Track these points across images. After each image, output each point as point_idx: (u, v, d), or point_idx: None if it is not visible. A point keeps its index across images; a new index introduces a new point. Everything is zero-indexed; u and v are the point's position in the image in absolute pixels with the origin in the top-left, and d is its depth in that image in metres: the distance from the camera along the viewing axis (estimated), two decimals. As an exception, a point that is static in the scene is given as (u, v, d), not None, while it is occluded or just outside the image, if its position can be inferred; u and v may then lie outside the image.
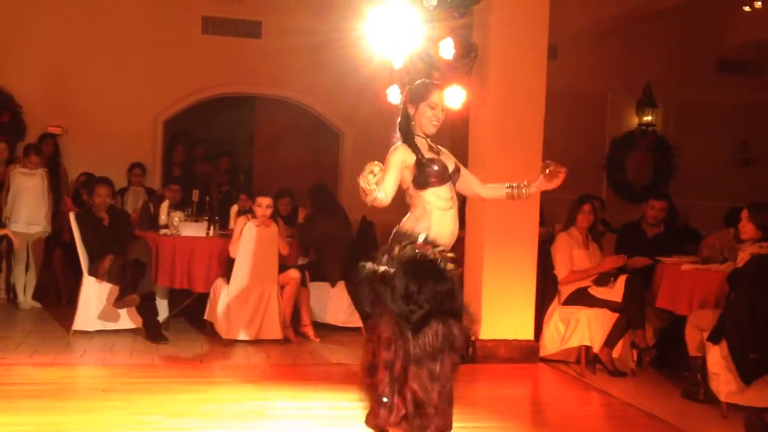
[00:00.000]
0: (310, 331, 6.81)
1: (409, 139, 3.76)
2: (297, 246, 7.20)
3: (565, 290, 6.15)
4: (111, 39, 8.94)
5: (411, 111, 3.78)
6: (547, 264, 6.31)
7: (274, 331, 6.55)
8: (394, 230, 3.73)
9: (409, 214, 3.72)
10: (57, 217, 7.92)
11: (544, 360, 6.23)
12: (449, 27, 6.03)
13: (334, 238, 7.19)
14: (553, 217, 7.41)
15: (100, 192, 6.83)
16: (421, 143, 3.78)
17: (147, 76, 9.04)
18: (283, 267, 6.70)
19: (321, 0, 8.44)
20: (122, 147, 8.87)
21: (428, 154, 3.74)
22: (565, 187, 7.60)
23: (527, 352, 6.17)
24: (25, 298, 7.67)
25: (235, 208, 7.32)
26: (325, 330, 7.00)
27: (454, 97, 6.36)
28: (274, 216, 6.72)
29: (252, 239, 6.49)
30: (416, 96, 3.77)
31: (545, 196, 6.48)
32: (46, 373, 5.44)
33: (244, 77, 9.44)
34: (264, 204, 6.56)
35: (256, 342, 6.49)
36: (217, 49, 9.27)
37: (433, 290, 3.43)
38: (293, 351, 6.43)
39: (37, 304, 7.70)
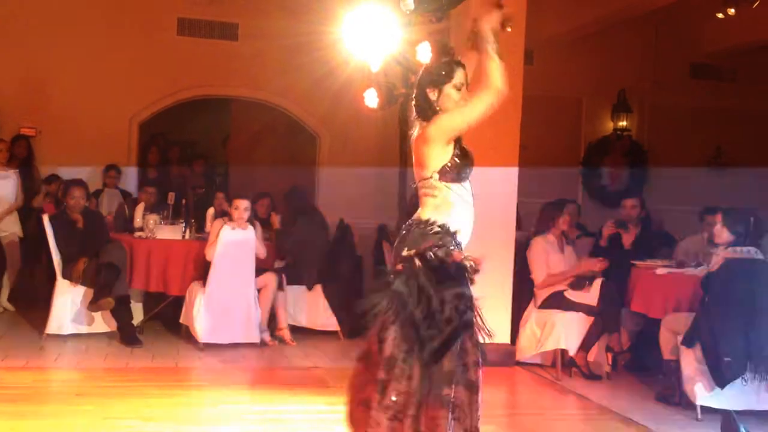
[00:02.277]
0: (286, 334, 6.78)
1: None
2: (274, 249, 7.17)
3: (541, 294, 6.18)
4: (86, 40, 8.85)
5: (433, 96, 3.28)
6: (523, 268, 6.33)
7: (251, 335, 6.52)
8: (410, 223, 3.27)
9: (423, 209, 3.27)
10: (30, 220, 7.82)
11: (521, 363, 6.26)
12: (426, 31, 6.05)
13: (310, 241, 7.17)
14: (530, 221, 7.45)
15: (74, 194, 6.75)
16: None
17: (122, 78, 8.96)
18: (260, 270, 6.67)
19: (298, 3, 8.42)
20: (97, 149, 8.78)
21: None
22: (541, 192, 7.69)
23: (504, 356, 6.19)
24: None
25: (211, 211, 7.28)
26: (301, 333, 6.98)
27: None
28: (252, 219, 6.69)
29: (228, 242, 6.45)
30: (439, 78, 3.29)
31: (521, 200, 6.58)
32: (18, 376, 5.36)
33: (220, 79, 9.40)
34: (241, 207, 6.53)
35: (232, 345, 6.45)
36: (193, 51, 9.21)
37: (455, 300, 3.12)
38: (269, 354, 6.41)
39: (11, 307, 7.60)
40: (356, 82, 7.36)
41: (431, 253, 3.13)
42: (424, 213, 3.26)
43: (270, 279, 6.69)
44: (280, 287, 6.78)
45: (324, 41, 6.94)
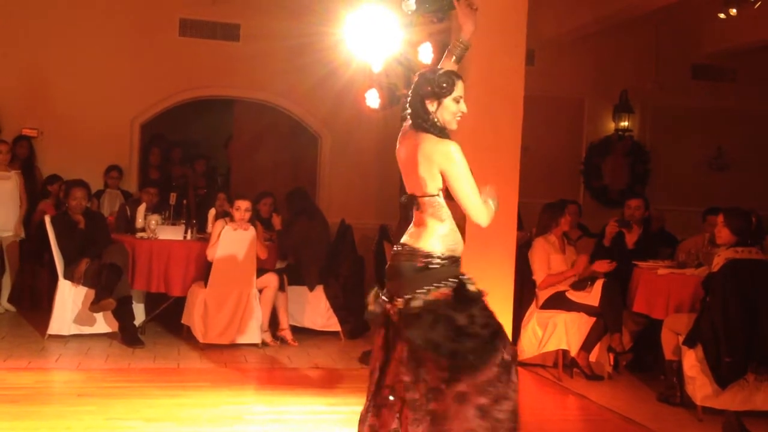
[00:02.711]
0: (287, 335, 6.78)
1: (446, 137, 3.25)
2: (275, 249, 7.17)
3: (543, 294, 6.18)
4: (88, 40, 8.85)
5: (432, 107, 3.25)
6: (525, 268, 6.33)
7: (252, 335, 6.53)
8: (409, 249, 3.21)
9: (426, 232, 3.21)
10: (31, 221, 7.82)
11: (522, 364, 6.22)
12: (428, 31, 6.05)
13: (312, 242, 7.17)
14: (531, 221, 7.45)
15: (75, 194, 6.76)
16: None
17: (124, 79, 8.96)
18: (261, 271, 6.68)
19: (299, 3, 8.42)
20: (99, 149, 8.79)
21: None
22: (542, 192, 7.68)
23: (505, 356, 6.17)
24: (0, 302, 7.58)
25: (212, 212, 7.29)
26: (303, 334, 6.98)
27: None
28: (253, 219, 6.69)
29: (230, 243, 6.46)
30: (441, 91, 3.24)
31: (522, 201, 6.57)
32: (20, 377, 5.38)
33: (221, 80, 9.39)
34: (242, 207, 6.53)
35: (233, 346, 6.46)
36: (195, 52, 9.21)
37: (482, 312, 3.18)
38: (271, 355, 6.41)
39: (12, 308, 7.60)
40: (358, 82, 7.36)
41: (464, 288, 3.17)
42: (428, 241, 3.19)
43: (271, 280, 6.69)
44: (281, 288, 6.78)
45: (325, 42, 6.95)
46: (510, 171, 6.34)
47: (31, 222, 7.83)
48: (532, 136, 6.88)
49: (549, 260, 6.19)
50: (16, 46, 8.71)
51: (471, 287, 3.22)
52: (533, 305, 6.27)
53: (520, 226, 6.96)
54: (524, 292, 6.41)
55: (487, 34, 6.28)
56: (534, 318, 6.19)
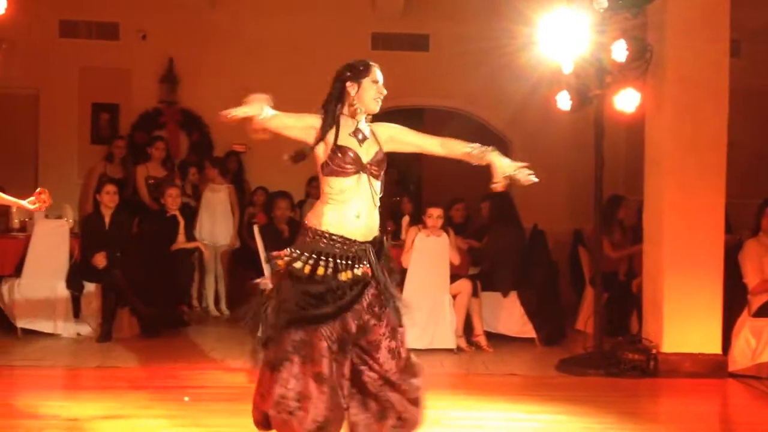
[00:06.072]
0: (482, 340, 6.80)
1: (329, 118, 3.72)
2: (468, 256, 7.20)
3: (756, 301, 5.78)
4: (287, 59, 9.38)
5: (353, 89, 3.72)
6: (734, 273, 5.94)
7: (447, 341, 6.60)
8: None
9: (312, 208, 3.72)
10: (241, 229, 8.40)
11: (734, 375, 5.87)
12: (621, 28, 5.87)
13: (508, 248, 7.12)
14: (740, 224, 6.97)
15: (280, 205, 7.20)
16: (346, 126, 3.69)
17: (321, 94, 9.37)
18: (454, 276, 6.74)
19: (488, 8, 8.45)
20: (301, 162, 9.24)
21: (348, 140, 3.63)
22: (752, 191, 7.18)
23: (714, 367, 5.84)
24: (217, 306, 8.18)
25: (406, 219, 7.46)
26: (497, 340, 6.96)
27: (628, 100, 6.16)
28: (446, 226, 6.77)
29: (423, 249, 6.58)
30: (358, 72, 3.75)
31: (730, 201, 6.16)
32: (235, 377, 5.73)
33: (412, 90, 9.60)
34: (434, 215, 6.64)
35: (429, 351, 6.55)
36: (387, 64, 9.40)
37: (297, 296, 3.50)
38: (466, 361, 6.45)
39: (227, 312, 8.15)
40: (546, 84, 7.27)
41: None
42: (308, 214, 3.70)
43: (464, 286, 6.74)
44: (474, 294, 6.81)
45: (514, 45, 6.94)
46: (715, 170, 5.98)
47: (240, 230, 8.40)
48: (739, 132, 6.44)
49: (762, 263, 5.76)
50: (225, 68, 9.40)
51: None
52: (745, 313, 5.87)
53: (728, 230, 6.53)
54: (735, 299, 6.01)
55: (688, 25, 6.00)
56: (746, 326, 5.80)
